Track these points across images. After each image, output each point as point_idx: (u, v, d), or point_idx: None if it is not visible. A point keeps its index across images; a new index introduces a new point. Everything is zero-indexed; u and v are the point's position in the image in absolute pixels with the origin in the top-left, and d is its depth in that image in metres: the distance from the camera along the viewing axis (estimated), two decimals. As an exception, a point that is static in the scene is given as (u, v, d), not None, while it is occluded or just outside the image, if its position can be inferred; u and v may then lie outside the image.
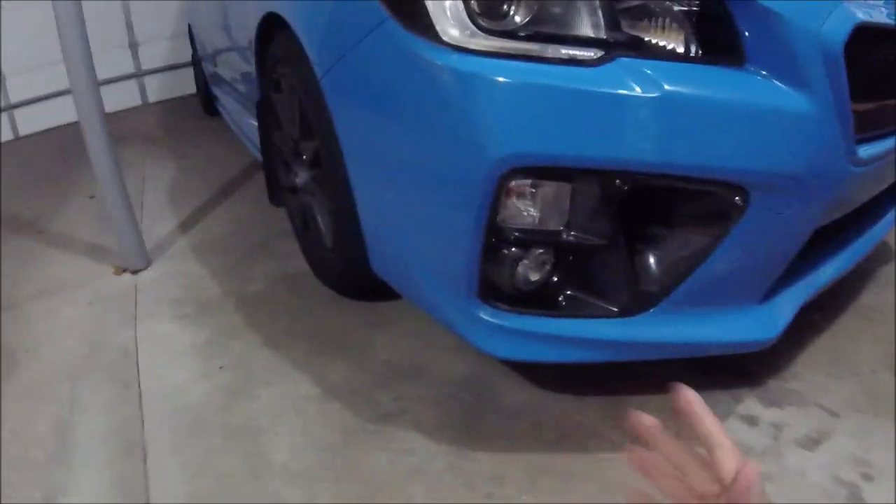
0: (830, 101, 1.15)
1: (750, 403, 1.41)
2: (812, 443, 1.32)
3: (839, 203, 1.32)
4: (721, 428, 0.47)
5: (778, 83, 1.12)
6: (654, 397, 1.41)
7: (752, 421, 1.36)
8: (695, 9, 1.11)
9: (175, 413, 1.42)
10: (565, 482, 1.20)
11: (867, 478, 1.24)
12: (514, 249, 1.12)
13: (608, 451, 1.27)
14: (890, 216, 1.74)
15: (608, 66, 1.04)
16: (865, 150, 1.30)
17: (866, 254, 1.58)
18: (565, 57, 1.05)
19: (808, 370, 1.52)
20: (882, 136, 1.42)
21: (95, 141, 1.92)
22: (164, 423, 1.40)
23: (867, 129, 1.35)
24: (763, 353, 1.35)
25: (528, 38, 1.06)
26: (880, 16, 1.42)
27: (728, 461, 0.45)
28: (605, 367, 1.32)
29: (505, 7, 1.07)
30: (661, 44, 1.11)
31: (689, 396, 0.49)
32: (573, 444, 1.28)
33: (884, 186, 1.57)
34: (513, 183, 1.07)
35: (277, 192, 1.93)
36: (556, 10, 1.07)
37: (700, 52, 1.12)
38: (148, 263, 2.06)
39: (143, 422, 1.41)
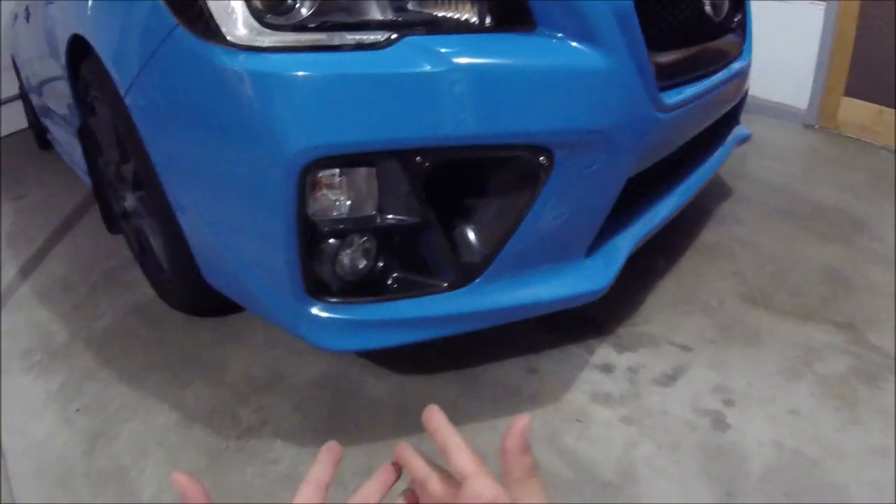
0: (627, 55, 1.19)
1: (603, 352, 1.46)
2: (669, 380, 1.38)
3: (653, 149, 1.37)
4: (455, 433, 0.49)
5: (572, 43, 1.15)
6: (506, 362, 1.45)
7: (607, 369, 1.41)
8: (483, -20, 1.13)
9: (40, 467, 1.35)
10: (435, 461, 1.21)
11: (729, 403, 1.31)
12: (332, 241, 1.11)
13: (471, 423, 1.30)
14: (718, 153, 1.84)
15: (395, 48, 1.04)
16: (672, 97, 1.36)
17: (697, 192, 1.66)
18: (353, 43, 1.04)
19: (657, 312, 1.59)
20: (690, 81, 1.49)
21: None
22: (32, 480, 1.32)
23: (672, 76, 1.42)
24: (612, 302, 1.41)
25: (316, 29, 1.05)
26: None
27: (463, 460, 0.47)
28: (457, 341, 1.33)
29: (289, 1, 1.06)
30: (453, 18, 1.12)
31: (431, 411, 0.51)
32: (437, 423, 1.29)
33: (703, 127, 1.65)
34: (319, 175, 1.06)
35: (113, 219, 1.85)
36: (341, -3, 1.07)
37: (491, 22, 1.14)
38: (-9, 315, 1.94)
39: (10, 481, 1.33)
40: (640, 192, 1.47)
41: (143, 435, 1.38)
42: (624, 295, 1.54)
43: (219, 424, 1.37)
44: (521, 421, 0.46)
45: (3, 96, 3.85)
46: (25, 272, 2.15)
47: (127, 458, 1.33)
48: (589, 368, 1.42)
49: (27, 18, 2.56)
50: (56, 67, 2.03)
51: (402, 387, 1.41)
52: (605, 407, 1.32)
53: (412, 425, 1.30)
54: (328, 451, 0.54)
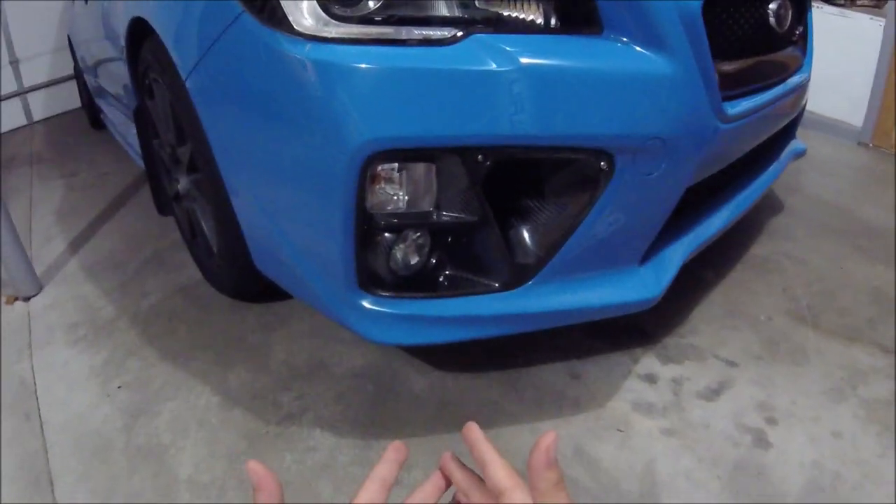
0: (692, 62, 1.17)
1: (648, 362, 1.44)
2: (713, 394, 1.36)
3: (712, 160, 1.35)
4: (492, 448, 0.52)
5: (637, 48, 1.14)
6: (550, 366, 1.44)
7: (651, 379, 1.39)
8: (550, -20, 1.12)
9: (79, 440, 1.37)
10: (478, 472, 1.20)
11: (771, 421, 1.29)
12: (388, 235, 1.12)
13: (512, 425, 1.29)
14: (773, 167, 1.81)
15: (463, 44, 1.04)
16: (734, 107, 1.34)
17: (751, 206, 1.63)
18: (420, 38, 1.04)
19: (704, 324, 1.56)
20: (751, 93, 1.47)
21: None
22: (69, 452, 1.35)
23: (734, 86, 1.40)
24: (659, 312, 1.39)
25: (383, 23, 1.05)
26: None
27: (500, 476, 0.49)
28: (503, 342, 1.33)
29: (357, -8, 1.06)
30: (519, 17, 1.11)
31: (470, 426, 0.55)
32: (478, 422, 1.26)
33: (760, 140, 1.63)
34: (379, 168, 1.06)
35: (164, 201, 1.87)
36: (409, -9, 1.07)
37: (558, 23, 1.13)
38: (39, 289, 1.97)
39: (47, 452, 1.36)
40: (694, 203, 1.45)
41: (183, 414, 1.39)
42: (672, 305, 1.52)
43: (260, 409, 1.38)
44: (548, 438, 0.49)
45: (58, 76, 3.94)
46: (74, 247, 2.19)
47: (167, 435, 1.35)
48: (633, 377, 1.40)
49: (85, 0, 2.60)
50: (113, 49, 2.07)
51: (445, 383, 1.41)
52: (647, 417, 1.30)
53: (453, 421, 1.30)
54: (395, 450, 0.56)
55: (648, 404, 1.33)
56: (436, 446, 1.25)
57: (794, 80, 1.70)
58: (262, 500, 0.48)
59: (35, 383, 1.58)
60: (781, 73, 1.65)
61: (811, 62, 1.86)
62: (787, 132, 1.90)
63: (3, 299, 1.96)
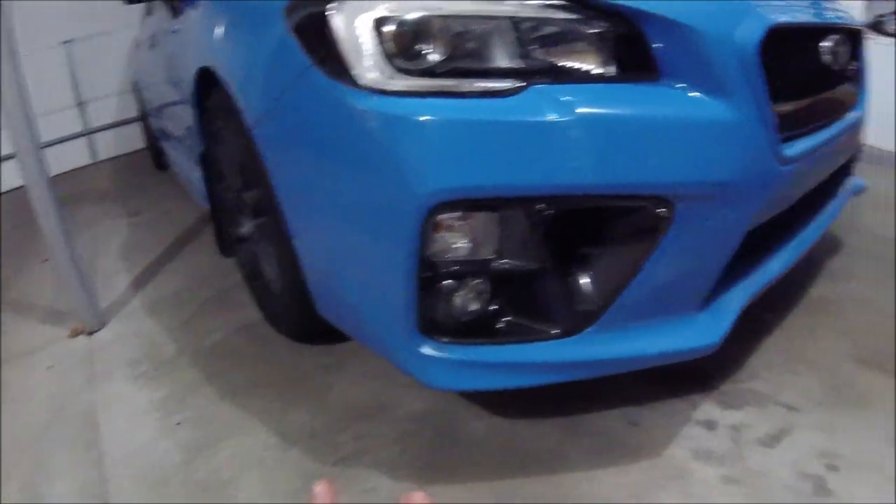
0: (750, 105, 1.17)
1: (707, 408, 1.42)
2: (773, 440, 1.33)
3: (772, 202, 1.34)
4: None
5: (695, 93, 1.14)
6: (608, 412, 1.43)
7: (710, 425, 1.37)
8: (607, 30, 1.13)
9: (138, 473, 1.41)
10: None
11: (832, 469, 1.25)
12: (448, 281, 1.13)
13: (571, 472, 1.28)
14: (832, 207, 1.77)
15: (522, 95, 1.06)
16: (792, 149, 1.33)
17: (810, 247, 1.61)
18: (480, 90, 1.07)
19: (765, 369, 1.53)
20: (809, 133, 1.45)
21: (43, 204, 1.91)
22: (128, 484, 1.39)
23: (793, 127, 1.39)
24: (718, 356, 1.37)
25: (445, 75, 1.08)
26: (799, 14, 1.46)
27: None
28: (561, 388, 1.33)
29: (420, 46, 1.09)
30: (577, 67, 1.13)
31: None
32: (537, 468, 1.28)
33: (819, 180, 1.61)
34: (441, 217, 1.08)
35: (227, 242, 1.93)
36: (471, 45, 1.10)
37: (616, 71, 1.14)
38: (103, 324, 2.04)
39: (106, 484, 1.39)
40: (752, 246, 1.44)
41: (242, 452, 1.42)
42: (730, 350, 1.49)
43: (318, 449, 1.40)
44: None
45: (123, 118, 4.11)
46: (139, 285, 2.27)
47: (225, 472, 1.37)
48: (691, 424, 1.38)
49: (151, 47, 2.71)
50: (178, 94, 2.15)
51: (503, 428, 1.40)
52: (707, 465, 1.28)
53: (509, 467, 1.29)
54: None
55: (708, 451, 1.31)
56: (494, 491, 1.24)
57: (850, 116, 1.68)
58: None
59: (97, 415, 1.62)
60: (838, 110, 1.63)
61: (866, 97, 1.84)
62: (845, 169, 1.87)
63: (68, 332, 2.03)
